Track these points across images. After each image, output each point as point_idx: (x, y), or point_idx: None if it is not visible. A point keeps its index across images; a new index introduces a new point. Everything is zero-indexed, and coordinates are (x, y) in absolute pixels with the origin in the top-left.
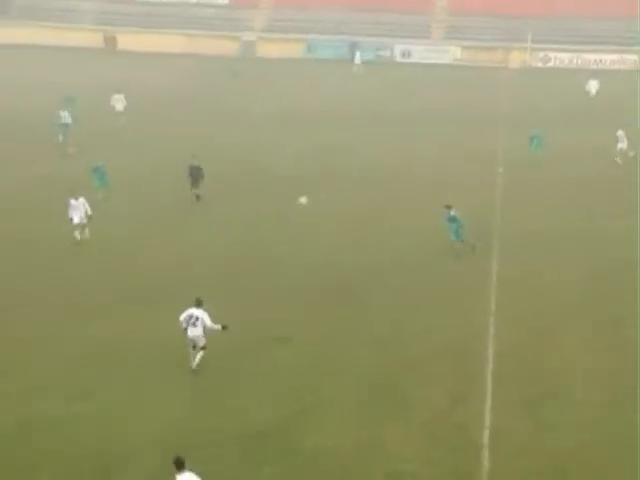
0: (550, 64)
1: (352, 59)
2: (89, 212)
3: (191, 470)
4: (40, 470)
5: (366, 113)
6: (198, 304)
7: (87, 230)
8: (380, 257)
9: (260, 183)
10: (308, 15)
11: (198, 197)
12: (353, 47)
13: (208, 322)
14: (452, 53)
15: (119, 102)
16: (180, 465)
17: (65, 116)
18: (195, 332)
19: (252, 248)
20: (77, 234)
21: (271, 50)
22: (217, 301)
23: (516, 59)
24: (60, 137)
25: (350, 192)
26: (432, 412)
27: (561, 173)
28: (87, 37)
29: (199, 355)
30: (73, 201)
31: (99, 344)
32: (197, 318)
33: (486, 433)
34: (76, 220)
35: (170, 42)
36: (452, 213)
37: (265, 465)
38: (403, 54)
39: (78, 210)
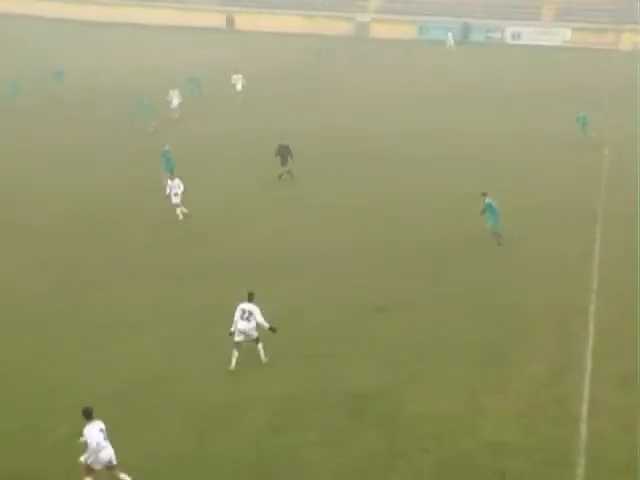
0: None
1: (464, 39)
2: (180, 190)
3: (99, 419)
4: (168, 420)
5: (474, 94)
6: (250, 298)
7: (179, 209)
8: (480, 231)
9: (360, 163)
10: None
11: (282, 175)
12: (465, 29)
13: (259, 317)
14: (562, 35)
15: (238, 82)
16: (89, 415)
17: (175, 94)
18: (249, 325)
19: (351, 226)
20: (179, 212)
21: (384, 31)
22: (320, 274)
23: (627, 41)
24: (175, 115)
25: (451, 172)
26: (532, 384)
27: None
28: (210, 18)
29: (260, 347)
30: (170, 181)
31: (211, 306)
32: (250, 313)
33: (584, 407)
34: (175, 200)
35: (287, 22)
36: (487, 200)
37: (366, 429)
38: (513, 36)
39: (176, 189)
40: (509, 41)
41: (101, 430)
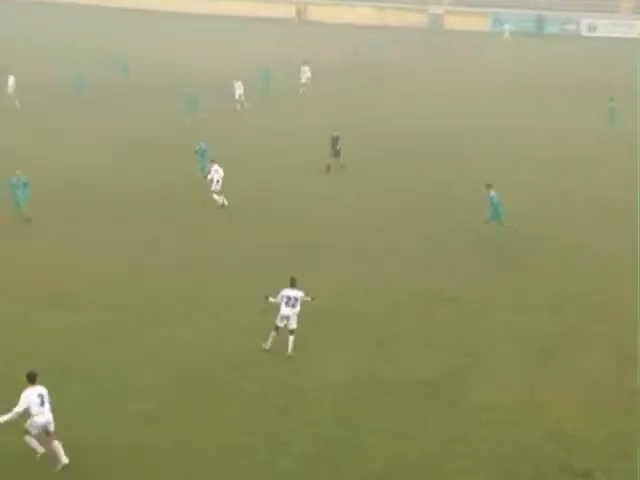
0: None
1: (538, 31)
2: (215, 175)
3: (41, 384)
4: (228, 404)
5: (548, 87)
6: (292, 284)
7: (215, 196)
8: (543, 221)
9: (416, 156)
10: None
11: (331, 165)
12: (539, 21)
13: (304, 298)
14: (638, 27)
15: (304, 74)
16: (32, 379)
17: (238, 86)
18: (293, 311)
19: (413, 216)
20: (221, 198)
21: (458, 23)
22: (385, 264)
23: None
24: (238, 106)
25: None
26: (594, 375)
27: None
28: (279, 9)
29: (291, 340)
30: (212, 166)
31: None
32: (296, 299)
33: None
34: (216, 187)
35: (359, 14)
36: (492, 194)
37: (430, 416)
38: (589, 28)
39: (216, 174)
40: (585, 33)
41: (39, 395)
